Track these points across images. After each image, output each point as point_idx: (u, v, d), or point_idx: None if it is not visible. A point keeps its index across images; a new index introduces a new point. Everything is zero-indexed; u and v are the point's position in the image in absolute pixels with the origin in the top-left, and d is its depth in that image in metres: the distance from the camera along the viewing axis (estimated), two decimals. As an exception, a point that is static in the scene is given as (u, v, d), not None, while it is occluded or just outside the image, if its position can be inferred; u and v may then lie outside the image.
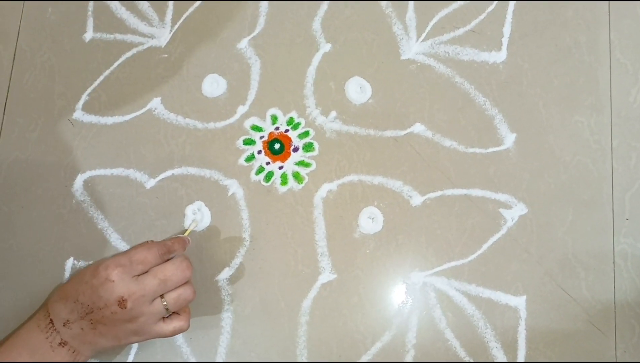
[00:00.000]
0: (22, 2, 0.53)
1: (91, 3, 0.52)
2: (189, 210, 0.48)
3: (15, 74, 0.52)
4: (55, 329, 0.41)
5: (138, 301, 0.40)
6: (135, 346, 0.46)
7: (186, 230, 0.46)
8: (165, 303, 0.41)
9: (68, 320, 0.41)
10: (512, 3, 0.50)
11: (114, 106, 0.51)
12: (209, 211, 0.48)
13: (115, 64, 0.51)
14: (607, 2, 0.49)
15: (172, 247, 0.43)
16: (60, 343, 0.41)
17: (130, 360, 0.46)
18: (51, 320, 0.42)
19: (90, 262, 0.48)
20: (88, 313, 0.40)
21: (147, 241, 0.43)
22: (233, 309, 0.47)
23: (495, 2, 0.50)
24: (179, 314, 0.42)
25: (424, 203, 0.47)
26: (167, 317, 0.42)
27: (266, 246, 0.47)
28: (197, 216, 0.47)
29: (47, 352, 0.41)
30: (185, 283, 0.42)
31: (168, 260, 0.42)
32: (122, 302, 0.40)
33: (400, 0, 0.50)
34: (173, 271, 0.41)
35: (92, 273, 0.41)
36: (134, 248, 0.42)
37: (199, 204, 0.48)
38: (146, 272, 0.41)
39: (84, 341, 0.41)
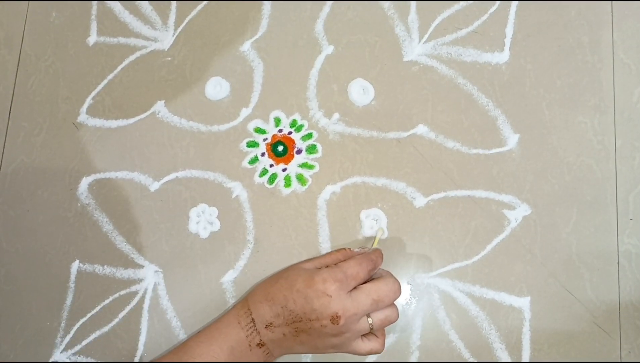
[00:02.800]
0: (27, 6, 0.53)
1: (95, 7, 0.53)
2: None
3: (20, 79, 0.52)
4: (257, 330, 0.41)
5: (350, 319, 0.39)
6: (140, 348, 0.47)
7: (372, 240, 0.46)
8: (371, 322, 0.40)
9: (272, 324, 0.41)
10: (514, 4, 0.50)
11: (118, 110, 0.51)
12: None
13: (119, 68, 0.51)
14: (610, 2, 0.49)
15: (377, 262, 0.42)
16: (258, 344, 0.41)
17: (135, 361, 0.47)
18: (253, 319, 0.41)
19: (96, 265, 0.48)
20: (295, 322, 0.40)
21: (346, 249, 0.44)
22: (237, 311, 0.47)
23: (498, 3, 0.50)
24: (376, 335, 0.42)
25: (427, 204, 0.47)
26: (365, 337, 0.41)
27: (270, 248, 0.48)
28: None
29: (245, 350, 0.41)
30: (392, 305, 0.41)
31: (375, 278, 0.42)
32: (335, 318, 0.39)
33: (402, 0, 0.50)
34: (387, 292, 0.40)
35: (307, 283, 0.40)
36: (345, 262, 0.41)
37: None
38: (358, 288, 0.40)
39: (281, 345, 0.41)
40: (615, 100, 0.47)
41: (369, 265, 0.41)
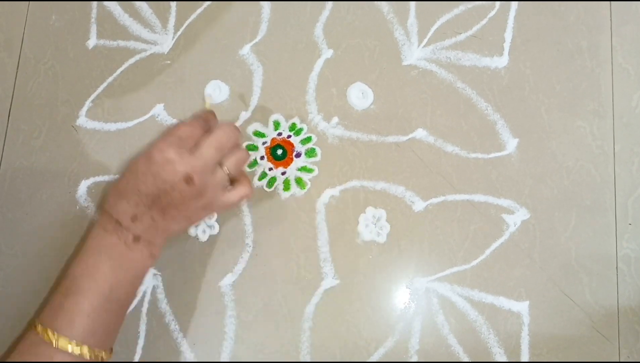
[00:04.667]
0: (27, 8, 0.54)
1: (94, 10, 0.53)
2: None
3: (20, 81, 0.52)
4: (125, 227, 0.40)
5: (203, 174, 0.39)
6: (139, 352, 0.47)
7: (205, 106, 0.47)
8: (226, 169, 0.41)
9: (136, 215, 0.40)
10: (513, 8, 0.50)
11: (118, 113, 0.51)
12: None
13: (119, 71, 0.51)
14: (609, 7, 0.49)
15: (208, 118, 0.43)
16: (133, 239, 0.40)
17: (135, 361, 0.47)
18: (117, 220, 0.40)
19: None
20: (155, 201, 0.39)
21: (180, 121, 0.43)
22: (236, 315, 0.47)
23: (497, 8, 0.50)
24: (240, 182, 0.43)
25: (426, 208, 0.47)
26: (230, 187, 0.42)
27: (269, 252, 0.48)
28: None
29: (123, 250, 0.40)
30: (236, 146, 0.42)
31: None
32: (189, 179, 0.39)
33: (402, 0, 0.50)
34: (224, 135, 0.41)
35: (147, 161, 0.40)
36: (175, 127, 0.41)
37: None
38: (197, 145, 0.40)
39: (156, 230, 0.41)
40: (614, 105, 0.47)
41: (200, 122, 0.42)
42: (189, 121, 0.42)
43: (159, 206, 0.40)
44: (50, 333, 0.38)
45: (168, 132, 0.41)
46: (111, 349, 0.41)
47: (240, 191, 0.42)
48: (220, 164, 0.41)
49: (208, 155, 0.40)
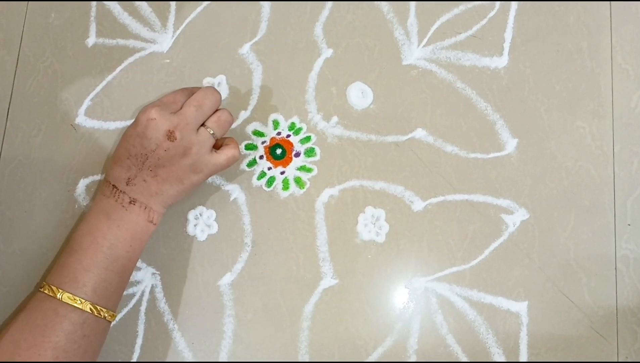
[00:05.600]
0: (26, 7, 0.53)
1: (94, 9, 0.53)
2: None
3: (19, 80, 0.52)
4: (120, 191, 0.43)
5: (184, 130, 0.42)
6: (137, 351, 0.47)
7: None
8: (209, 129, 0.43)
9: (129, 178, 0.42)
10: (513, 8, 0.50)
11: (117, 111, 0.51)
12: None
13: (118, 69, 0.51)
14: (609, 7, 0.49)
15: (192, 90, 0.45)
16: (130, 202, 0.42)
17: (134, 361, 0.47)
18: (113, 185, 0.43)
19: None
20: (144, 162, 0.42)
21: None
22: (235, 314, 0.47)
23: (497, 8, 0.50)
24: (227, 144, 0.45)
25: (425, 208, 0.47)
26: (218, 149, 0.44)
27: (268, 251, 0.47)
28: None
29: (121, 212, 0.42)
30: (220, 108, 0.44)
31: None
32: (170, 134, 0.41)
33: (402, 0, 0.50)
34: (204, 96, 0.43)
35: (133, 124, 0.43)
36: (162, 96, 0.45)
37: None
38: (180, 107, 0.43)
39: (150, 193, 0.43)
40: (614, 105, 0.47)
41: (185, 92, 0.45)
42: (175, 91, 0.45)
43: (149, 166, 0.42)
44: (55, 289, 0.40)
45: (157, 100, 0.45)
46: (114, 314, 0.42)
47: (227, 151, 0.44)
48: (204, 125, 0.43)
49: (188, 113, 0.42)
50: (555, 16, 0.49)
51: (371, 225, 0.47)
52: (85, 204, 0.49)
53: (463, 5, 0.50)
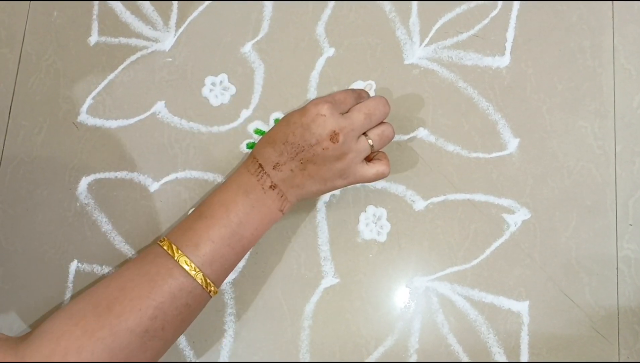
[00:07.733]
0: (28, 5, 0.54)
1: (96, 7, 0.53)
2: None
3: (21, 78, 0.52)
4: (265, 172, 0.42)
5: (348, 135, 0.40)
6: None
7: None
8: (370, 140, 0.42)
9: (278, 163, 0.42)
10: (515, 8, 0.50)
11: (119, 110, 0.51)
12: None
13: (120, 68, 0.51)
14: (612, 7, 0.49)
15: (361, 93, 0.45)
16: (270, 186, 0.42)
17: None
18: (260, 164, 0.42)
19: (94, 265, 0.48)
20: (299, 153, 0.41)
21: None
22: (236, 313, 0.47)
23: (499, 7, 0.50)
24: (379, 159, 0.43)
25: (427, 207, 0.47)
26: (369, 161, 0.43)
27: (269, 250, 0.48)
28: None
29: (259, 193, 0.42)
30: (385, 122, 0.43)
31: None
32: (334, 136, 0.40)
33: (404, 0, 0.50)
34: (376, 105, 0.42)
35: (301, 113, 0.41)
36: (333, 93, 0.44)
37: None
38: (349, 110, 0.42)
39: (292, 184, 0.42)
40: (616, 105, 0.47)
41: (354, 93, 0.44)
42: (344, 90, 0.44)
43: (301, 159, 0.41)
44: (175, 249, 0.40)
45: (327, 95, 0.43)
46: (217, 291, 0.42)
47: (378, 166, 0.43)
48: (365, 134, 0.42)
49: (356, 119, 0.41)
50: (558, 16, 0.49)
51: (372, 224, 0.47)
52: (86, 202, 0.49)
53: (465, 5, 0.50)
